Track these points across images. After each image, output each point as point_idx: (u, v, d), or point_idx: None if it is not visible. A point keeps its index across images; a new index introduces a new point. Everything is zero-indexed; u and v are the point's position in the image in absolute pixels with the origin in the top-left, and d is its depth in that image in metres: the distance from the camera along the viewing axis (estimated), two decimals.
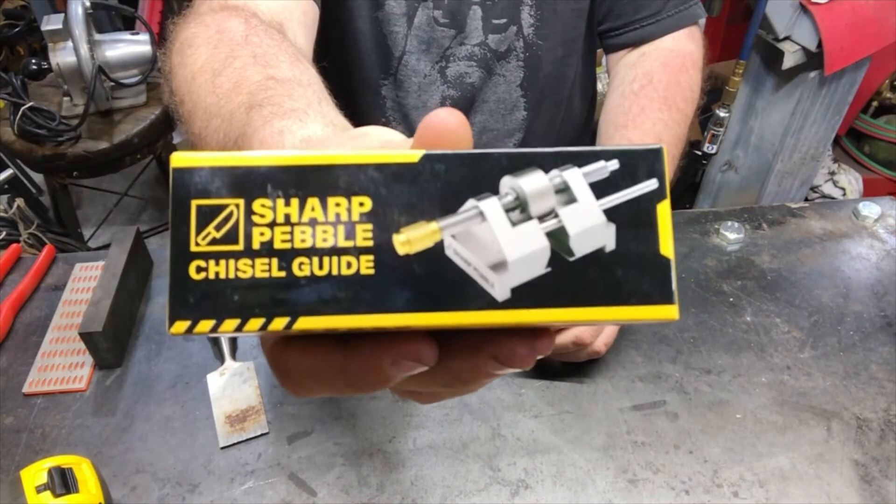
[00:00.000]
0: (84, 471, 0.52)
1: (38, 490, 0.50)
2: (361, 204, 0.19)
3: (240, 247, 0.19)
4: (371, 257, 0.19)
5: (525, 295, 0.19)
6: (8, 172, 1.97)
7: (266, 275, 0.19)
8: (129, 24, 2.21)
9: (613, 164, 0.20)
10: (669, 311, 0.19)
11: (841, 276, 0.77)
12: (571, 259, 0.19)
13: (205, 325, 0.18)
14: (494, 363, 0.21)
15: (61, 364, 0.67)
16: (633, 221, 0.19)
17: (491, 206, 0.19)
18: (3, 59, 2.29)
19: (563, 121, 0.89)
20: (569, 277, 0.19)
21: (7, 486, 0.50)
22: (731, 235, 0.81)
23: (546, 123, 0.87)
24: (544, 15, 0.78)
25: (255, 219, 0.19)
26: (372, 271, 0.19)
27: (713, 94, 1.71)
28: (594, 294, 0.19)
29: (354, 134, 0.28)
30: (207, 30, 0.53)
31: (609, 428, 0.61)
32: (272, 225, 0.19)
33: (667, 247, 0.19)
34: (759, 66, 1.77)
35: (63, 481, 0.50)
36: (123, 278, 0.70)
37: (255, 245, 0.19)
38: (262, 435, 0.61)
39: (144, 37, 1.63)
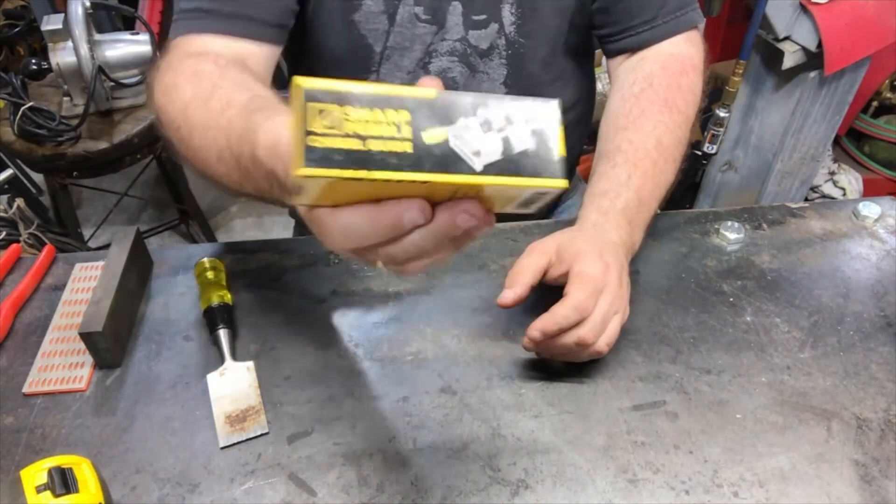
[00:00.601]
0: (84, 471, 0.52)
1: (38, 490, 0.50)
2: (406, 114, 0.34)
3: (339, 131, 0.32)
4: (410, 143, 0.33)
5: (489, 170, 0.34)
6: (8, 172, 1.97)
7: (353, 147, 0.32)
8: (129, 24, 2.21)
9: (534, 106, 0.36)
10: (563, 182, 0.35)
11: (841, 276, 0.77)
12: (513, 152, 0.35)
13: (321, 172, 0.32)
14: (464, 216, 0.36)
15: (61, 364, 0.67)
16: (544, 135, 0.35)
17: (472, 122, 0.34)
18: (3, 59, 2.29)
19: None
20: (511, 162, 0.35)
21: (7, 486, 0.50)
22: (731, 235, 0.81)
23: None
24: (525, 13, 0.78)
25: (348, 116, 0.32)
26: (411, 150, 0.33)
27: (713, 94, 1.71)
28: (523, 171, 0.35)
29: None
30: (184, 74, 0.63)
31: (609, 428, 0.61)
32: (357, 121, 0.32)
33: (562, 149, 0.36)
34: (759, 66, 1.77)
35: (63, 481, 0.50)
36: (123, 278, 0.70)
37: (348, 131, 0.32)
38: (262, 435, 0.61)
39: (144, 37, 1.63)
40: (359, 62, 0.82)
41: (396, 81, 0.82)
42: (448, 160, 0.34)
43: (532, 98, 0.36)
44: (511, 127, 0.35)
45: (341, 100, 0.32)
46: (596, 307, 0.60)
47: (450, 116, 0.34)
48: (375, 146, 0.33)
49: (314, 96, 0.32)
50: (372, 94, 0.33)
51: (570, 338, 0.60)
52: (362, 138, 0.32)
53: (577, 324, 0.60)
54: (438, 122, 0.34)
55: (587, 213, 0.69)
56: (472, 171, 0.34)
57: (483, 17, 0.79)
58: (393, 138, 0.33)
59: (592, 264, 0.61)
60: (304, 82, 0.32)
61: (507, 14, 0.78)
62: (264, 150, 0.49)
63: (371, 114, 0.33)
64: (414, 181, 0.33)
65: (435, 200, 0.36)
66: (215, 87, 0.59)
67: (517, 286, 0.61)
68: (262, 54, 0.72)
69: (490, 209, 0.37)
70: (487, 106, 0.35)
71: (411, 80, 0.82)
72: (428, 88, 0.34)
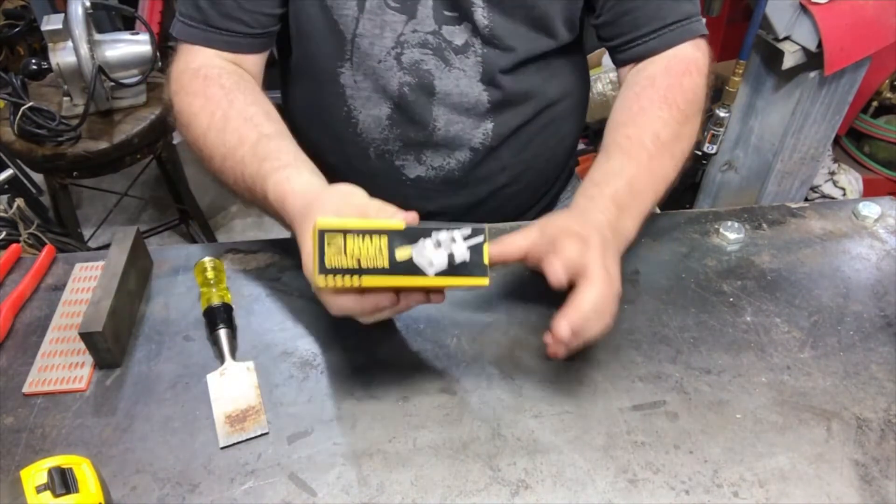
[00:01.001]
0: (84, 471, 0.52)
1: (38, 490, 0.50)
2: (385, 239, 0.53)
3: (341, 254, 0.52)
4: (387, 259, 0.53)
5: (438, 275, 0.54)
6: (8, 172, 1.97)
7: (350, 265, 0.53)
8: (129, 24, 2.21)
9: (470, 231, 0.55)
10: (485, 281, 0.55)
11: (841, 276, 0.77)
12: (455, 263, 0.54)
13: (330, 280, 0.53)
14: (416, 300, 0.58)
15: (61, 364, 0.67)
16: (476, 250, 0.55)
17: (428, 242, 0.54)
18: (3, 59, 2.29)
19: (536, 114, 0.89)
20: (453, 268, 0.54)
21: (7, 486, 0.50)
22: (731, 235, 0.81)
23: (513, 116, 0.87)
24: (496, 18, 0.79)
25: (347, 244, 0.52)
26: (387, 265, 0.53)
27: (713, 94, 1.70)
28: (459, 274, 0.54)
29: (344, 193, 0.62)
30: (197, 98, 0.76)
31: (609, 428, 0.62)
32: (353, 247, 0.52)
33: (486, 259, 0.55)
34: (759, 66, 1.77)
35: (63, 481, 0.50)
36: (123, 278, 0.70)
37: (347, 252, 0.52)
38: (262, 435, 0.61)
39: (144, 37, 1.63)
40: (333, 50, 0.83)
41: (369, 70, 0.83)
42: (411, 269, 0.54)
43: (469, 224, 0.55)
44: (454, 244, 0.54)
45: (343, 233, 0.52)
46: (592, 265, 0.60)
47: (414, 237, 0.54)
48: (365, 262, 0.53)
49: (326, 231, 0.52)
50: (362, 228, 0.53)
51: (584, 309, 0.58)
52: (357, 258, 0.53)
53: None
54: (406, 244, 0.53)
55: (576, 201, 0.70)
56: (426, 276, 0.54)
57: (455, 14, 0.79)
58: (376, 257, 0.53)
59: (574, 247, 0.60)
60: (319, 223, 0.52)
61: (480, 18, 0.79)
62: (274, 199, 0.67)
63: (362, 241, 0.53)
64: (387, 286, 0.54)
65: (402, 289, 0.57)
66: (227, 119, 0.73)
67: (500, 246, 0.63)
68: (253, 60, 0.84)
69: (442, 292, 0.59)
70: (439, 231, 0.54)
71: (384, 69, 0.82)
72: (399, 221, 0.55)
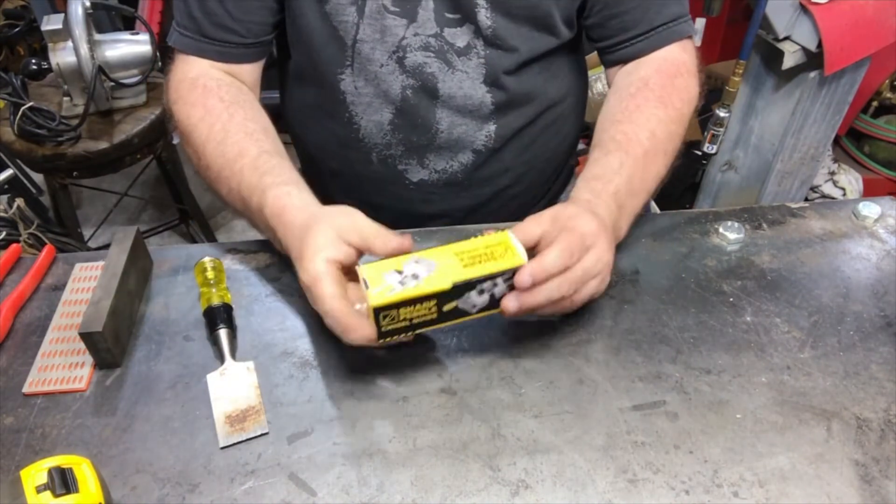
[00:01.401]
0: (84, 471, 0.52)
1: (38, 490, 0.50)
2: (434, 302, 0.58)
3: (395, 320, 0.58)
4: (436, 313, 0.59)
5: (480, 311, 0.61)
6: (8, 172, 1.97)
7: (404, 325, 0.59)
8: (129, 24, 2.21)
9: (511, 272, 0.58)
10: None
11: (841, 276, 0.77)
12: (496, 297, 0.60)
13: (386, 340, 0.59)
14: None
15: (61, 364, 0.67)
16: (512, 283, 0.59)
17: (472, 292, 0.59)
18: (3, 59, 2.29)
19: (538, 115, 0.89)
20: (493, 304, 0.61)
21: (7, 486, 0.50)
22: (731, 235, 0.81)
23: (516, 117, 0.87)
24: (499, 19, 0.79)
25: (399, 313, 0.57)
26: (436, 316, 0.59)
27: (713, 94, 1.71)
28: (499, 306, 0.60)
29: (346, 211, 0.63)
30: (196, 109, 0.77)
31: (609, 428, 0.61)
32: (405, 313, 0.58)
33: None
34: (759, 66, 1.77)
35: (63, 481, 0.50)
36: (123, 278, 0.70)
37: (401, 318, 0.58)
38: (262, 435, 0.61)
39: (144, 37, 1.63)
40: (333, 56, 0.82)
41: (371, 76, 0.83)
42: (457, 314, 0.59)
43: (508, 267, 0.58)
44: (496, 287, 0.59)
45: (397, 306, 0.56)
46: (580, 261, 0.61)
47: (459, 294, 0.58)
48: (416, 321, 0.59)
49: (381, 309, 0.56)
50: (412, 297, 0.56)
51: (546, 291, 0.59)
52: (409, 320, 0.58)
53: (560, 273, 0.60)
54: (452, 299, 0.58)
55: (580, 193, 0.70)
56: (468, 315, 0.60)
57: (457, 16, 0.79)
58: (426, 315, 0.58)
59: (587, 221, 0.63)
60: (373, 303, 0.56)
61: (483, 19, 0.79)
62: (270, 212, 0.67)
63: (413, 308, 0.57)
64: (433, 329, 0.60)
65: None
66: (227, 133, 0.74)
67: (516, 234, 0.63)
68: (249, 70, 0.85)
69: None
70: (483, 280, 0.58)
71: (385, 74, 0.82)
72: (445, 283, 0.56)
